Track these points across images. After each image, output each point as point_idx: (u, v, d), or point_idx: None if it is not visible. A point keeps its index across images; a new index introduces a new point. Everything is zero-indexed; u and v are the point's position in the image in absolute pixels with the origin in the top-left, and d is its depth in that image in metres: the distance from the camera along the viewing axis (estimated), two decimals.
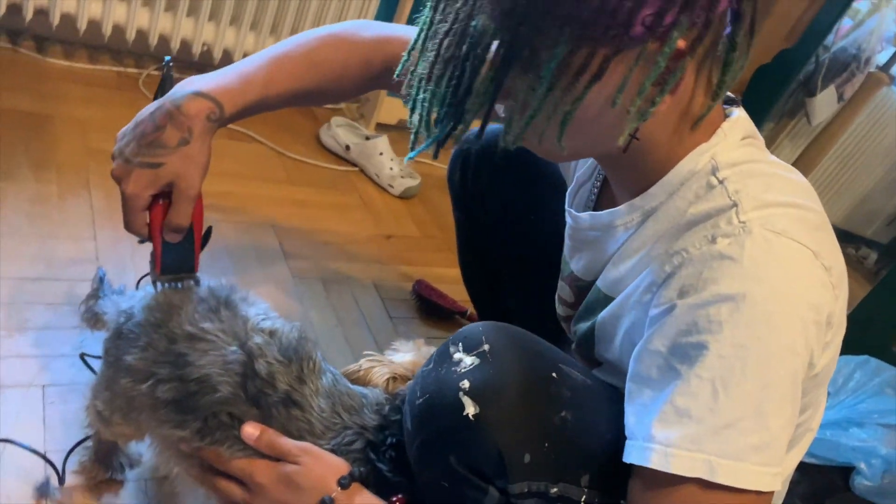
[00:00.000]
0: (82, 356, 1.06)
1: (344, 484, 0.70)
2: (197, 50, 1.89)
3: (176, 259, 0.82)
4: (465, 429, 0.62)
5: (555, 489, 0.64)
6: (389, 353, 0.91)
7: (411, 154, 0.71)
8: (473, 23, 0.58)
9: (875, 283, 2.06)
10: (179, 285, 0.83)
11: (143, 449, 0.99)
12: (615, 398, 0.72)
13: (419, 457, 0.68)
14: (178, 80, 0.83)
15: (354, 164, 1.98)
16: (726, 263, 0.59)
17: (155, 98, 0.81)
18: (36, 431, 0.99)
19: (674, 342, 0.60)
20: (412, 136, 0.68)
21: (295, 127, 2.04)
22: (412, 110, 0.66)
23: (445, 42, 0.61)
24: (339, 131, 1.98)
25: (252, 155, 1.83)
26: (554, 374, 0.66)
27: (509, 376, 0.64)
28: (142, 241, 0.83)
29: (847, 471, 1.30)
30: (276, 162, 1.86)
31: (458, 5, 0.59)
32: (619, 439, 0.67)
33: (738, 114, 0.70)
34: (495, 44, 0.58)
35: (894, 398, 1.29)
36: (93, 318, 0.92)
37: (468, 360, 0.65)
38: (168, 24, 1.84)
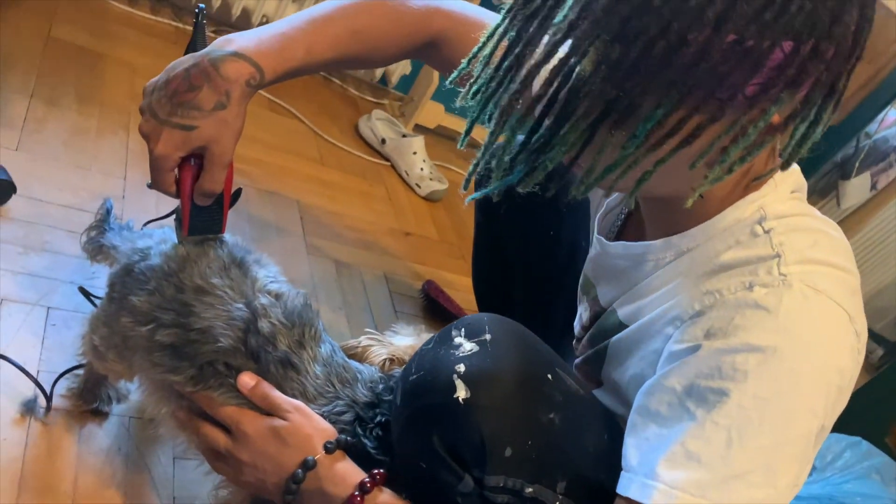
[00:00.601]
0: (81, 289, 1.05)
1: (329, 448, 0.70)
2: (256, 20, 1.92)
3: (204, 221, 0.80)
4: (453, 410, 0.62)
5: (530, 489, 0.63)
6: (389, 334, 0.91)
7: (474, 195, 0.69)
8: (573, 63, 0.55)
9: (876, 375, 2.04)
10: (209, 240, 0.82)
11: (132, 386, 0.99)
12: (605, 416, 0.73)
13: (403, 432, 0.68)
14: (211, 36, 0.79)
15: (387, 159, 2.00)
16: (760, 313, 0.59)
17: (187, 50, 0.77)
18: (33, 350, 1.00)
19: (692, 383, 0.59)
20: (473, 167, 0.65)
21: (336, 111, 2.06)
22: (485, 147, 0.63)
23: (535, 76, 0.58)
24: (378, 124, 2.00)
25: (289, 130, 1.85)
26: (549, 376, 0.66)
27: (505, 368, 0.64)
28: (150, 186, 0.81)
29: None
30: (312, 141, 1.88)
31: (557, 38, 0.56)
32: (600, 456, 0.67)
33: (791, 167, 0.69)
34: (594, 93, 0.55)
35: (880, 485, 1.27)
36: (95, 250, 0.92)
37: (468, 346, 0.66)
38: None
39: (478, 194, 0.69)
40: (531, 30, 0.58)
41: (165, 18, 1.92)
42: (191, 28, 0.80)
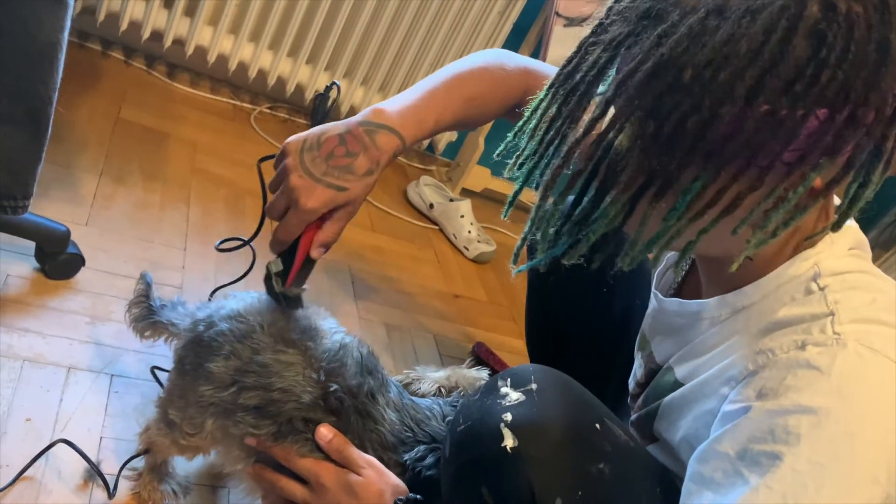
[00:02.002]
0: (154, 370, 1.10)
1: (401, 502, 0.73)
2: (309, 95, 2.02)
3: (302, 275, 0.84)
4: (502, 460, 0.62)
5: None
6: (411, 371, 0.95)
7: (522, 267, 0.72)
8: (611, 138, 0.57)
9: None
10: (295, 299, 0.85)
11: (191, 475, 1.02)
12: (657, 469, 0.71)
13: (453, 484, 0.68)
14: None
15: (435, 223, 2.03)
16: (813, 374, 0.57)
17: (314, 115, 0.83)
18: (97, 416, 1.03)
19: (745, 447, 0.58)
20: (521, 241, 0.68)
21: (386, 179, 2.12)
22: (532, 221, 0.65)
23: (576, 152, 0.59)
24: (425, 189, 2.05)
25: None
26: (597, 426, 0.65)
27: (553, 417, 0.64)
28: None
29: None
30: (363, 209, 1.92)
31: (595, 115, 0.58)
32: None
33: (849, 223, 0.67)
34: (632, 167, 0.57)
35: None
36: (146, 327, 0.94)
37: (514, 396, 0.65)
38: (287, 68, 1.97)
39: (524, 267, 0.71)
40: (571, 105, 0.61)
41: (224, 98, 2.03)
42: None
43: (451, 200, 2.05)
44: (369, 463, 0.78)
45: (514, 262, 0.70)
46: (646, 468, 0.70)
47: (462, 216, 2.00)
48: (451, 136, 2.21)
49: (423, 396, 0.89)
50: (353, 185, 0.78)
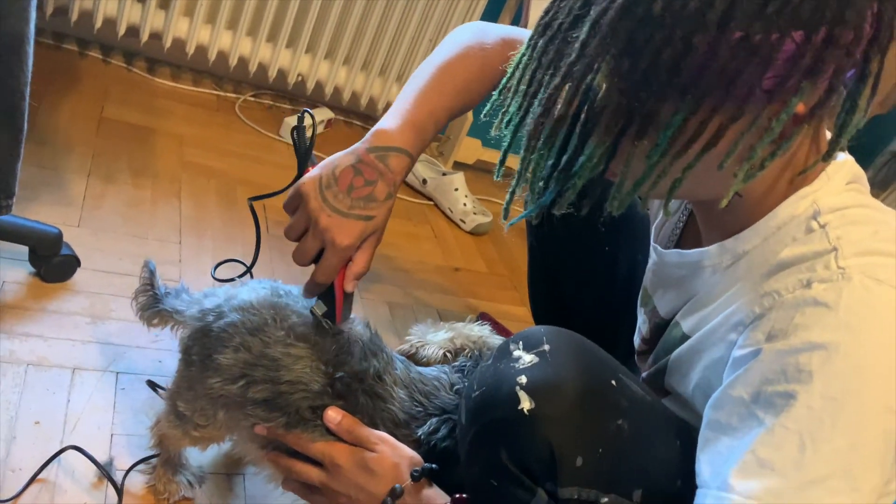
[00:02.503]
0: (150, 382, 1.08)
1: (415, 476, 0.73)
2: (292, 80, 2.00)
3: (345, 312, 0.83)
4: (519, 423, 0.61)
5: (605, 499, 0.61)
6: (413, 336, 0.94)
7: (513, 220, 0.71)
8: (589, 81, 0.56)
9: None
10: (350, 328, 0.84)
11: (205, 464, 1.03)
12: (674, 421, 0.70)
13: (471, 450, 0.67)
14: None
15: (429, 198, 2.03)
16: (820, 310, 0.56)
17: (297, 146, 0.83)
18: (105, 414, 1.03)
19: (758, 389, 0.57)
20: (509, 195, 0.68)
21: None
22: (519, 173, 0.65)
23: (556, 98, 0.59)
24: (417, 166, 2.04)
25: None
26: (613, 382, 0.65)
27: (567, 377, 0.63)
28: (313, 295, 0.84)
29: None
30: None
31: (571, 59, 0.57)
32: (674, 463, 0.65)
33: (844, 157, 0.66)
34: (611, 108, 0.56)
35: None
36: (152, 315, 0.93)
37: (527, 358, 0.65)
38: (267, 54, 1.95)
39: (515, 220, 0.70)
40: (550, 54, 0.60)
41: (207, 89, 2.01)
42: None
43: (444, 174, 2.03)
44: (382, 439, 0.78)
45: (505, 218, 0.70)
46: (663, 421, 0.69)
47: (456, 189, 1.98)
48: None
49: (428, 364, 0.88)
50: (378, 213, 0.78)
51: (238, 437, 0.90)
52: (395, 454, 0.76)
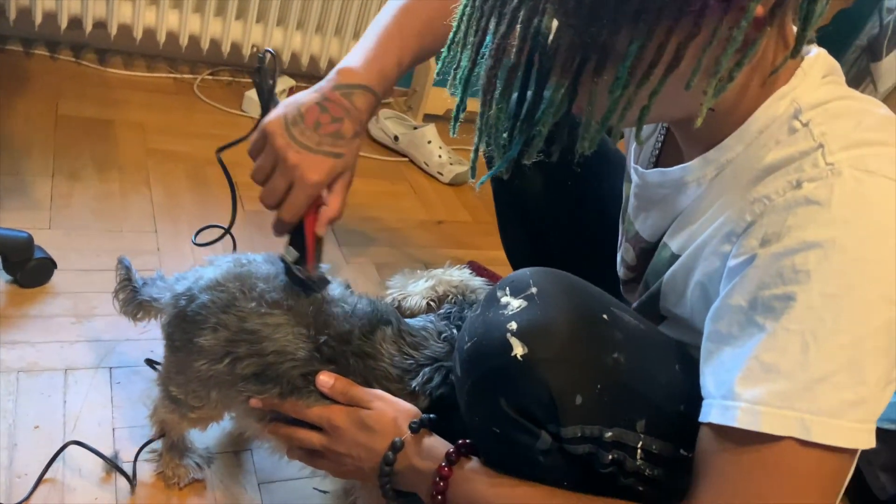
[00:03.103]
0: (148, 361, 1.08)
1: (414, 428, 0.73)
2: (247, 52, 1.95)
3: (319, 251, 0.82)
4: (514, 370, 0.61)
5: (609, 433, 0.61)
6: (392, 288, 0.94)
7: (483, 179, 0.70)
8: (536, 24, 0.55)
9: None
10: (321, 280, 0.83)
11: (211, 445, 1.03)
12: (672, 346, 0.70)
13: (469, 402, 0.67)
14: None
15: (404, 155, 2.00)
16: (813, 209, 0.55)
17: (259, 89, 0.81)
18: (104, 410, 1.03)
19: (756, 295, 0.57)
20: (474, 153, 0.66)
21: None
22: (479, 129, 0.63)
23: (504, 47, 0.57)
24: (387, 123, 2.00)
25: None
26: (605, 316, 0.64)
27: (558, 317, 0.62)
28: (282, 235, 0.83)
29: None
30: None
31: (514, 4, 0.55)
32: (675, 387, 0.65)
33: (816, 51, 0.64)
34: (564, 48, 0.55)
35: None
36: (134, 309, 0.92)
37: (515, 303, 0.64)
38: (218, 29, 1.89)
39: (485, 178, 0.70)
40: (490, 1, 0.58)
41: (162, 73, 1.96)
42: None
43: (416, 128, 2.00)
44: (377, 396, 0.78)
45: (473, 176, 0.68)
46: (661, 348, 0.69)
47: (429, 142, 1.96)
48: None
49: (413, 316, 0.88)
50: (346, 150, 0.78)
51: (236, 413, 0.90)
52: (392, 409, 0.76)
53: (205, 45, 1.90)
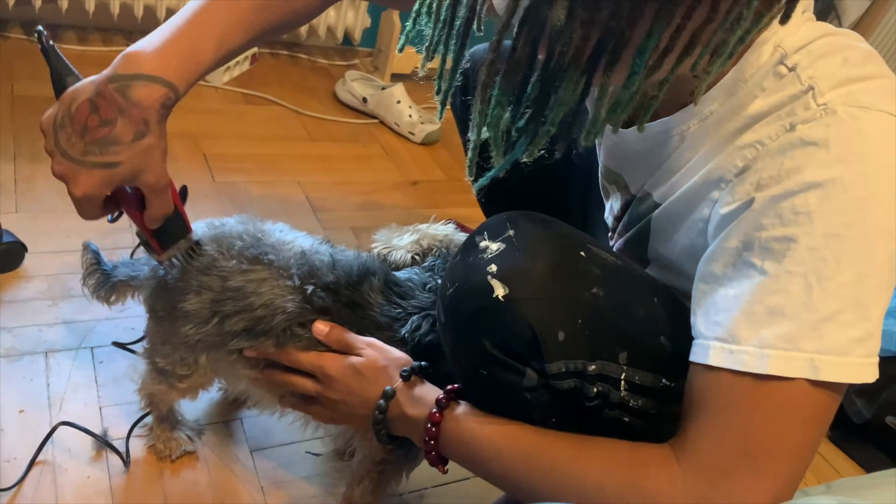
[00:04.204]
0: (117, 343, 1.06)
1: (405, 376, 0.74)
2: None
3: (169, 232, 0.77)
4: (496, 310, 0.61)
5: (592, 367, 0.62)
6: (377, 242, 0.94)
7: (482, 180, 0.64)
8: (543, 16, 0.49)
9: None
10: (187, 254, 0.80)
11: (201, 417, 1.03)
12: (649, 281, 0.71)
13: (455, 346, 0.68)
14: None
15: (373, 116, 1.97)
16: (810, 150, 0.54)
17: (52, 77, 0.70)
18: (89, 390, 1.02)
19: (754, 237, 0.56)
20: (472, 153, 0.60)
21: (310, 86, 2.03)
22: (477, 126, 0.57)
23: (502, 38, 0.52)
24: (354, 85, 1.97)
25: (271, 117, 1.84)
26: (582, 253, 0.65)
27: (536, 257, 0.63)
28: (112, 221, 0.77)
29: None
30: (296, 122, 1.86)
31: None
32: (654, 320, 0.66)
33: None
34: (577, 41, 0.50)
35: None
36: (108, 292, 0.90)
37: (494, 246, 0.64)
38: None
39: (484, 180, 0.64)
40: None
41: (119, 46, 1.90)
42: None
43: (384, 89, 1.97)
44: (369, 343, 0.79)
45: (471, 175, 0.62)
46: (639, 282, 0.69)
47: (398, 102, 1.93)
48: (363, 22, 2.10)
49: (398, 269, 0.88)
50: (124, 157, 0.65)
51: (225, 375, 0.90)
52: (383, 357, 0.77)
53: (161, 14, 1.84)
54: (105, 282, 0.91)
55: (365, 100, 1.95)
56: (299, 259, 0.81)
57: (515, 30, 0.51)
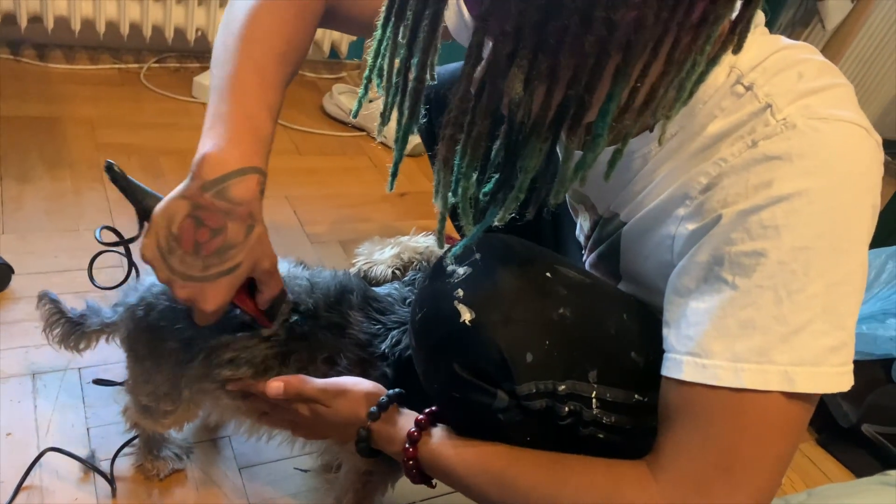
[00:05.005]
0: (97, 381, 1.02)
1: (374, 415, 0.72)
2: (191, 36, 1.90)
3: (275, 305, 0.78)
4: (464, 334, 0.62)
5: (563, 386, 0.63)
6: (361, 256, 0.94)
7: (457, 247, 0.63)
8: (499, 88, 0.48)
9: None
10: (290, 315, 0.80)
11: (189, 435, 1.03)
12: (618, 297, 0.72)
13: (426, 370, 0.68)
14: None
15: (361, 129, 1.98)
16: (775, 164, 0.55)
17: (132, 202, 0.70)
18: (77, 412, 1.02)
19: (725, 253, 0.56)
20: (440, 222, 0.58)
21: (298, 100, 2.04)
22: (441, 195, 0.55)
23: (465, 111, 0.50)
24: (341, 98, 1.98)
25: None
26: (548, 274, 0.65)
27: (502, 280, 0.64)
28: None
29: (887, 363, 1.28)
30: (283, 135, 1.87)
31: (470, 63, 0.48)
32: (625, 336, 0.67)
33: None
34: (537, 109, 0.49)
35: None
36: (78, 339, 0.89)
37: (461, 271, 0.65)
38: (159, 14, 1.85)
39: (457, 248, 0.63)
40: (422, 40, 0.51)
41: (106, 64, 1.91)
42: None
43: (371, 101, 1.98)
44: (327, 392, 0.75)
45: (441, 246, 0.62)
46: (607, 299, 0.70)
47: None
48: (350, 36, 2.11)
49: (378, 285, 0.88)
50: (243, 256, 0.66)
51: (211, 406, 0.90)
52: (347, 403, 0.75)
53: (147, 32, 1.85)
54: (73, 330, 0.89)
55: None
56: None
57: (472, 102, 0.50)
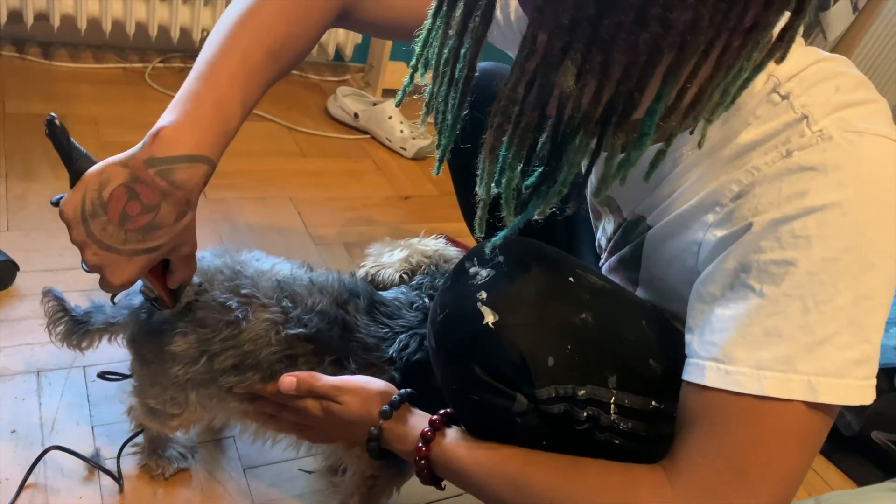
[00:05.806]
0: (101, 375, 1.03)
1: (386, 413, 0.73)
2: (197, 37, 1.90)
3: (176, 292, 0.77)
4: (486, 337, 0.62)
5: (582, 391, 0.63)
6: (370, 258, 0.95)
7: (496, 238, 0.62)
8: (551, 81, 0.48)
9: None
10: (195, 300, 0.79)
11: (193, 435, 1.03)
12: (638, 304, 0.72)
13: (445, 372, 0.68)
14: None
15: (365, 132, 1.98)
16: (809, 174, 0.55)
17: (63, 160, 0.66)
18: (82, 409, 1.02)
19: (754, 261, 0.56)
20: (480, 210, 0.57)
21: (302, 102, 2.04)
22: (484, 189, 0.55)
23: (514, 99, 0.50)
24: (346, 101, 1.98)
25: (263, 133, 1.85)
26: (571, 279, 0.65)
27: (525, 283, 0.64)
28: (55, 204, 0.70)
29: (891, 372, 1.28)
30: (288, 138, 1.87)
31: (524, 54, 0.48)
32: (644, 343, 0.67)
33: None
34: (586, 105, 0.49)
35: None
36: (81, 338, 0.88)
37: (484, 273, 0.65)
38: (165, 14, 1.85)
39: (497, 238, 0.62)
40: (474, 29, 0.52)
41: (111, 63, 1.91)
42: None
43: (375, 104, 1.99)
44: (341, 389, 0.76)
45: (481, 232, 0.60)
46: (627, 306, 0.70)
47: (390, 117, 1.95)
48: (354, 39, 2.11)
49: (386, 289, 0.88)
50: (165, 238, 0.64)
51: (217, 409, 0.89)
52: (359, 400, 0.75)
53: (153, 31, 1.85)
54: (76, 328, 0.88)
55: (356, 115, 1.96)
56: (280, 288, 0.81)
57: (522, 94, 0.50)
